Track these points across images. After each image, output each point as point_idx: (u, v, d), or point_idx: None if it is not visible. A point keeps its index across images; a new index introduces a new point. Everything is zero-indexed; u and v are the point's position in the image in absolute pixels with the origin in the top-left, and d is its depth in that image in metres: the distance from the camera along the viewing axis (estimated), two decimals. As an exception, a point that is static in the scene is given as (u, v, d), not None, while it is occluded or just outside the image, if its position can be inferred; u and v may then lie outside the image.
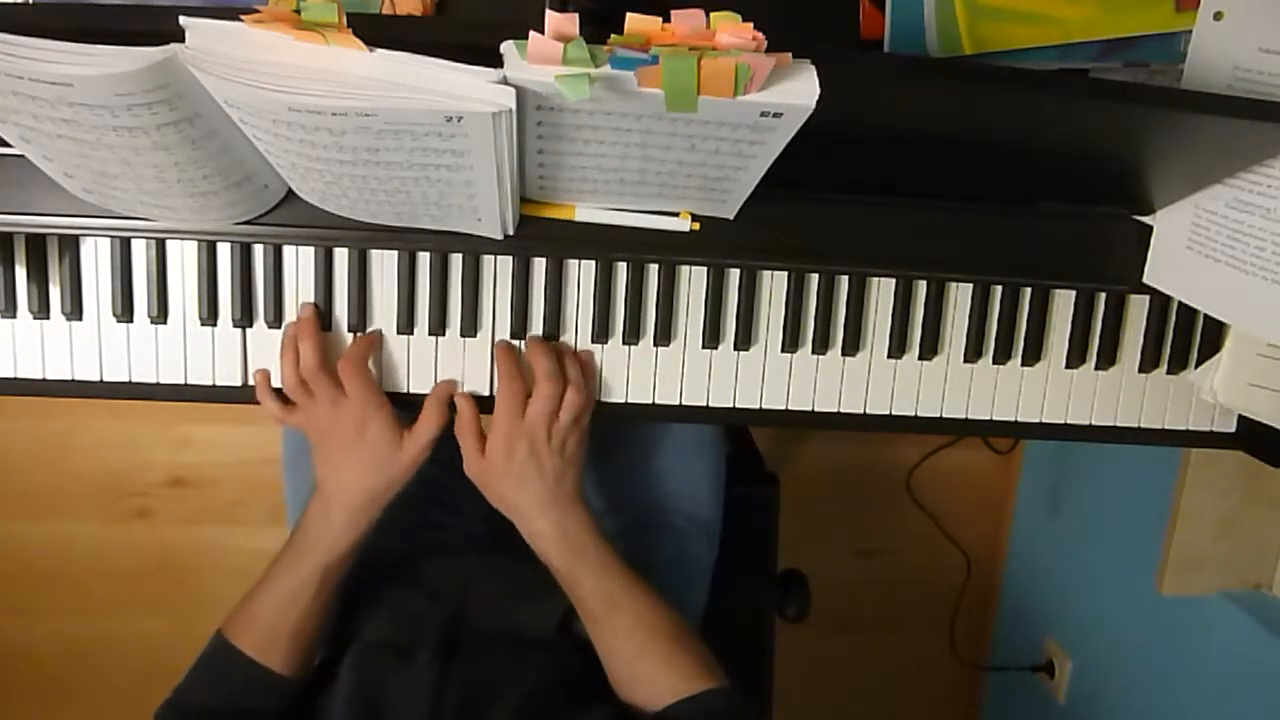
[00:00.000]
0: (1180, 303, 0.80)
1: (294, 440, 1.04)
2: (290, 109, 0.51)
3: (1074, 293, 0.82)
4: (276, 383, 0.77)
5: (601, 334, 0.79)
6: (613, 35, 0.50)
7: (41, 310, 0.75)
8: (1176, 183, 0.72)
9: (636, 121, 0.55)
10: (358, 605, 0.87)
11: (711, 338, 0.79)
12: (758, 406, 0.82)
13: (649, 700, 0.75)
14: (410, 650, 0.79)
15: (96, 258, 0.75)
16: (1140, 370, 0.84)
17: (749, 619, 1.23)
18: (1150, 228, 0.77)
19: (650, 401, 0.81)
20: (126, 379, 0.77)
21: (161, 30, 0.50)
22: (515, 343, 0.78)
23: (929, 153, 0.67)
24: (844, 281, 0.80)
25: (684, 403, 0.81)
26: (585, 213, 0.72)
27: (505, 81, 0.50)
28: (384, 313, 0.77)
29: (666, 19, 0.50)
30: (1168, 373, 0.84)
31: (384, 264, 0.76)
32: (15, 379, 0.76)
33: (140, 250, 0.75)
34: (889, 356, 0.82)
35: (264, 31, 0.50)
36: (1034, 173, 0.73)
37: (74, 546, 1.81)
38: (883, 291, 0.81)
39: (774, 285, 0.80)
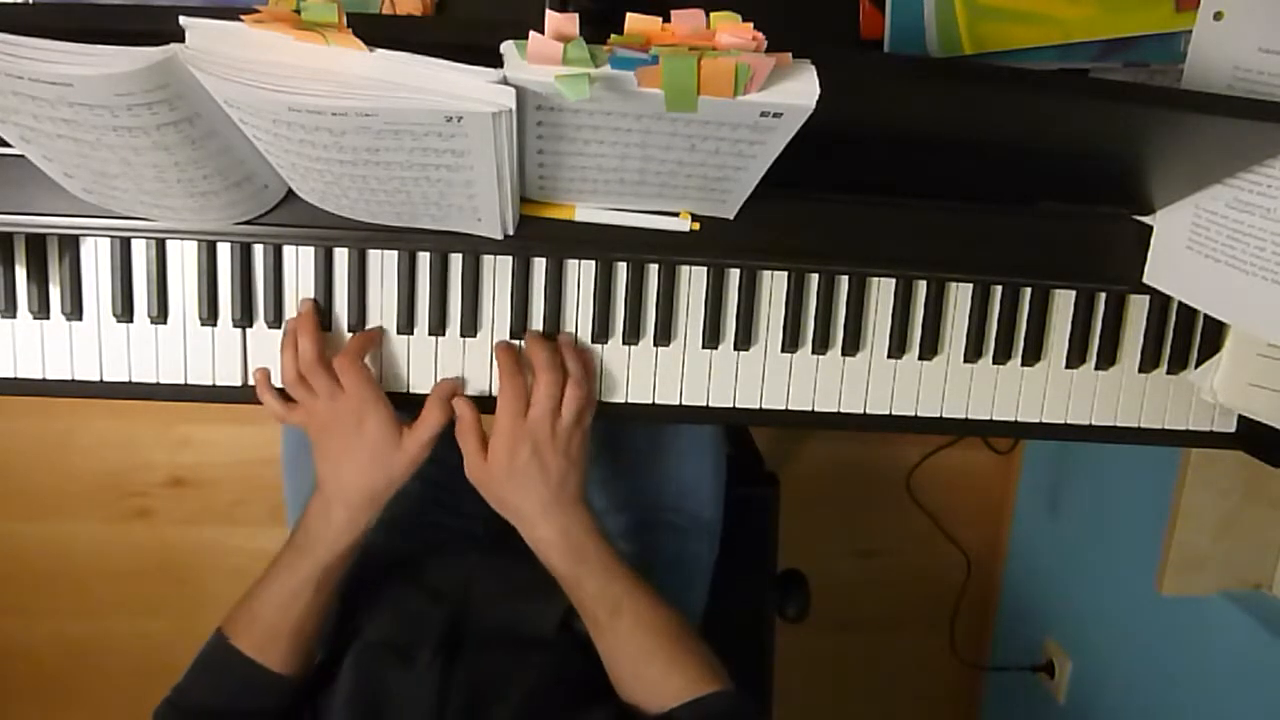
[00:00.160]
0: (1180, 303, 0.80)
1: (294, 440, 1.04)
2: (290, 109, 0.51)
3: (1074, 293, 0.82)
4: (277, 382, 0.77)
5: (601, 334, 0.79)
6: (613, 35, 0.50)
7: (41, 310, 0.75)
8: (1176, 183, 0.72)
9: (636, 121, 0.55)
10: (358, 605, 0.87)
11: (711, 338, 0.79)
12: (758, 406, 0.82)
13: (652, 702, 0.75)
14: (411, 650, 0.79)
15: (96, 258, 0.75)
16: (1140, 370, 0.84)
17: (749, 619, 1.23)
18: (1150, 228, 0.77)
19: (650, 401, 0.81)
20: (126, 379, 0.77)
21: (161, 30, 0.50)
22: (516, 343, 0.78)
23: (929, 153, 0.67)
24: (844, 281, 0.80)
25: (684, 403, 0.81)
26: (585, 213, 0.72)
27: (505, 81, 0.50)
28: (384, 313, 0.77)
29: (666, 19, 0.50)
30: (1168, 373, 0.84)
31: (384, 264, 0.76)
32: (15, 379, 0.76)
33: (140, 250, 0.75)
34: (889, 356, 0.82)
35: (264, 31, 0.50)
36: (1034, 173, 0.73)
37: (74, 546, 1.81)
38: (883, 291, 0.81)
39: (774, 285, 0.80)
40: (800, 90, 0.51)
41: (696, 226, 0.74)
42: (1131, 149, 0.66)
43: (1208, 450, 0.89)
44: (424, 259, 0.77)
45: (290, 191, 0.69)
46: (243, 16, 0.50)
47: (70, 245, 0.74)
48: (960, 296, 0.82)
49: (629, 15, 0.50)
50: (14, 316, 0.76)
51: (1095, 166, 0.70)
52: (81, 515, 1.80)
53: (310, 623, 0.78)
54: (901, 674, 1.97)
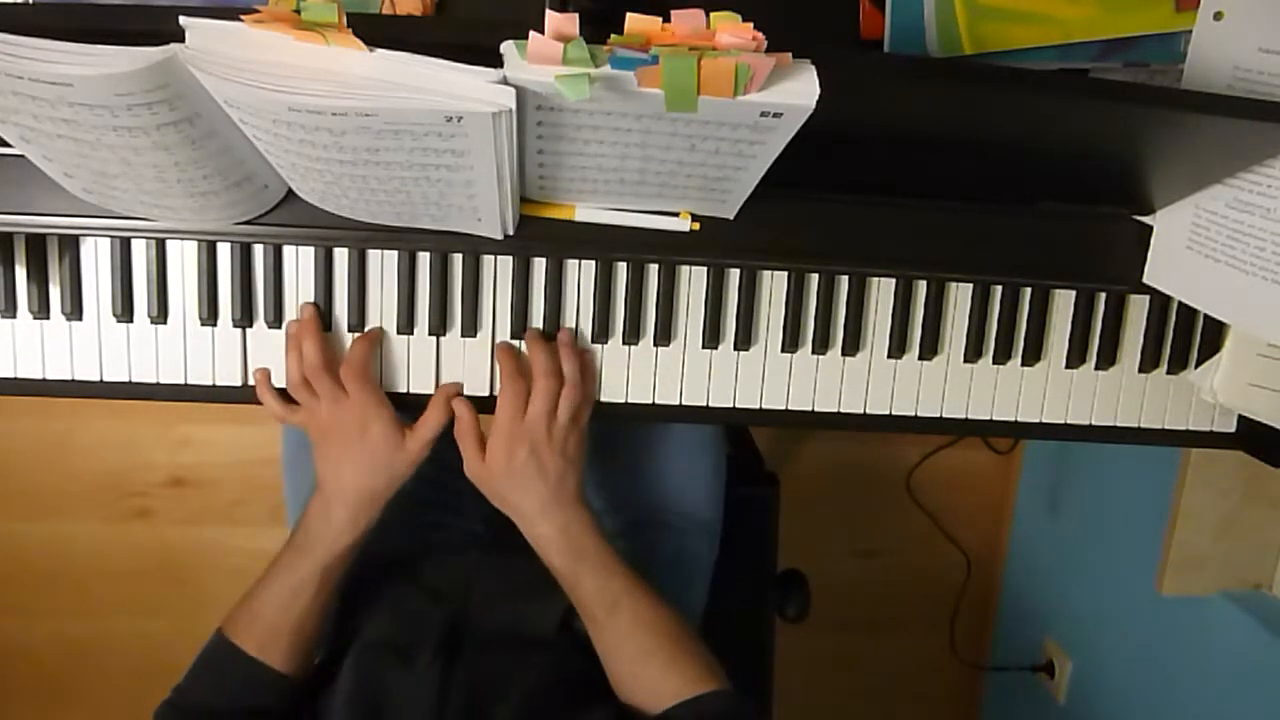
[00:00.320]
0: (1180, 303, 0.80)
1: (294, 440, 1.04)
2: (290, 109, 0.51)
3: (1074, 293, 0.82)
4: (278, 382, 0.77)
5: (601, 334, 0.79)
6: (613, 35, 0.50)
7: (41, 310, 0.75)
8: (1176, 183, 0.72)
9: (636, 121, 0.55)
10: (358, 604, 0.87)
11: (711, 338, 0.79)
12: (758, 406, 0.82)
13: (650, 702, 0.75)
14: (411, 650, 0.79)
15: (96, 258, 0.75)
16: (1140, 370, 0.84)
17: (749, 619, 1.23)
18: (1150, 228, 0.77)
19: (650, 401, 0.81)
20: (126, 379, 0.77)
21: (161, 30, 0.50)
22: (516, 343, 0.78)
23: (929, 153, 0.67)
24: (844, 281, 0.80)
25: (684, 403, 0.81)
26: (585, 213, 0.72)
27: (505, 81, 0.50)
28: (384, 313, 0.77)
29: (666, 19, 0.50)
30: (1168, 373, 0.84)
31: (384, 264, 0.76)
32: (15, 379, 0.76)
33: (140, 250, 0.75)
34: (889, 356, 0.82)
35: (264, 31, 0.50)
36: (1034, 173, 0.73)
37: (74, 546, 1.81)
38: (883, 291, 0.81)
39: (774, 285, 0.80)
40: (800, 90, 0.51)
41: (696, 226, 0.74)
42: (1131, 149, 0.66)
43: (1208, 450, 0.89)
44: (424, 259, 0.77)
45: (290, 191, 0.69)
46: (243, 16, 0.50)
47: (70, 245, 0.74)
48: (960, 296, 0.82)
49: (629, 15, 0.50)
50: (14, 316, 0.76)
51: (1095, 166, 0.70)
52: (81, 515, 1.80)
53: (311, 621, 0.78)
54: (901, 674, 1.97)
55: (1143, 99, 0.58)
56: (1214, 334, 0.83)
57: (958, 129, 0.62)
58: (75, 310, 0.75)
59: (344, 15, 0.51)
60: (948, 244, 0.77)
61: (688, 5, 0.50)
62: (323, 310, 0.76)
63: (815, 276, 0.79)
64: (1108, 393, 0.84)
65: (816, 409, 0.82)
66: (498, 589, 0.88)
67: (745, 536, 1.19)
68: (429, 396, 0.78)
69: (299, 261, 0.76)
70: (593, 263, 0.78)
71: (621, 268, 0.78)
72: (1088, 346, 0.83)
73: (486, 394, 0.79)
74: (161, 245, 0.75)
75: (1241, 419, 0.85)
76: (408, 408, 0.78)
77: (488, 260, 0.77)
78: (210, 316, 0.76)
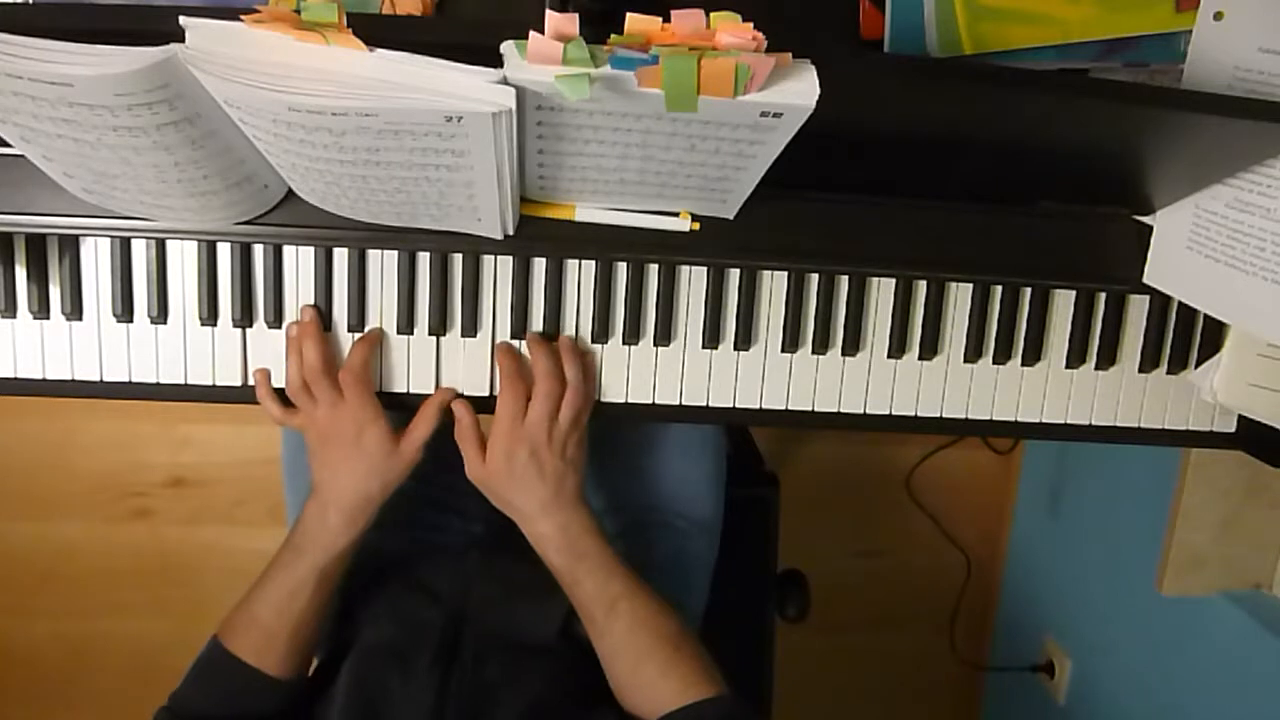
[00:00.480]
0: (1180, 303, 0.80)
1: (294, 441, 1.04)
2: (290, 109, 0.51)
3: (1074, 293, 0.82)
4: (277, 383, 0.77)
5: (601, 334, 0.79)
6: (613, 35, 0.50)
7: (41, 310, 0.75)
8: (1176, 183, 0.72)
9: (636, 121, 0.55)
10: (357, 606, 0.87)
11: (711, 338, 0.79)
12: (758, 406, 0.82)
13: (648, 707, 0.75)
14: (409, 656, 0.79)
15: (96, 258, 0.75)
16: (1140, 370, 0.84)
17: (749, 619, 1.23)
18: (1150, 228, 0.77)
19: (650, 401, 0.81)
20: (126, 379, 0.77)
21: (161, 30, 0.50)
22: (516, 343, 0.78)
23: (929, 153, 0.67)
24: (844, 281, 0.80)
25: (684, 403, 0.81)
26: (585, 213, 0.72)
27: (505, 81, 0.50)
28: (384, 313, 0.77)
29: (666, 19, 0.50)
30: (1168, 373, 0.84)
31: (384, 264, 0.76)
32: (15, 379, 0.76)
33: (140, 250, 0.75)
34: (889, 356, 0.82)
35: (264, 31, 0.50)
36: (1034, 173, 0.73)
37: (74, 546, 1.81)
38: (883, 291, 0.81)
39: (774, 285, 0.80)
40: (800, 90, 0.51)
41: (696, 226, 0.74)
42: (1131, 149, 0.66)
43: (1208, 450, 0.89)
44: (424, 259, 0.77)
45: (290, 191, 0.69)
46: (243, 16, 0.50)
47: (70, 245, 0.74)
48: (960, 296, 0.82)
49: (629, 15, 0.50)
50: (14, 316, 0.76)
51: (1095, 166, 0.70)
52: (81, 515, 1.80)
53: (307, 626, 0.78)
54: (901, 674, 1.97)
55: (1143, 99, 0.58)
56: (1214, 334, 0.83)
57: (958, 129, 0.62)
58: (75, 310, 0.75)
59: (344, 15, 0.51)
60: (948, 244, 0.77)
61: (688, 5, 0.50)
62: (323, 311, 0.76)
63: (815, 276, 0.79)
64: (1108, 393, 0.84)
65: (816, 409, 0.82)
66: (497, 592, 0.88)
67: (745, 536, 1.19)
68: (429, 397, 0.78)
69: (299, 261, 0.76)
70: (593, 263, 0.78)
71: (621, 268, 0.78)
72: (1088, 346, 0.83)
73: (486, 394, 0.79)
74: (161, 245, 0.75)
75: (1241, 419, 0.85)
76: (408, 408, 0.78)
77: (488, 260, 0.77)
78: (210, 316, 0.76)
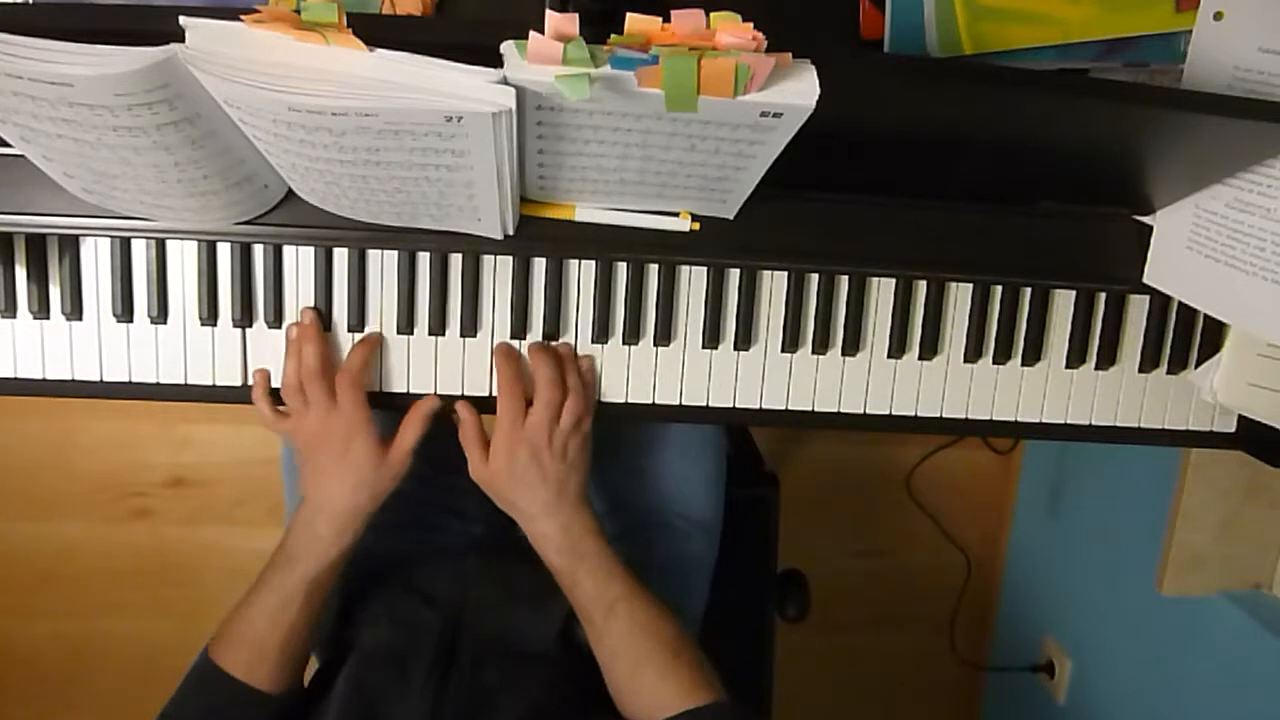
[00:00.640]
0: (1180, 303, 0.80)
1: (294, 441, 1.04)
2: (290, 109, 0.51)
3: (1074, 293, 0.82)
4: (276, 385, 0.77)
5: (601, 334, 0.79)
6: (613, 35, 0.50)
7: (41, 310, 0.75)
8: (1176, 183, 0.72)
9: (636, 121, 0.55)
10: (357, 608, 0.87)
11: (711, 338, 0.79)
12: (758, 406, 0.82)
13: (646, 712, 0.74)
14: (408, 660, 0.79)
15: (96, 258, 0.75)
16: (1140, 370, 0.84)
17: (749, 619, 1.23)
18: (1150, 228, 0.77)
19: (650, 401, 0.81)
20: (126, 379, 0.77)
21: (161, 30, 0.50)
22: (515, 343, 0.78)
23: (928, 153, 0.67)
24: (844, 281, 0.80)
25: (684, 403, 0.81)
26: (585, 213, 0.72)
27: (505, 81, 0.50)
28: (384, 313, 0.77)
29: (666, 19, 0.50)
30: (1168, 373, 0.84)
31: (384, 264, 0.76)
32: (15, 379, 0.76)
33: (140, 250, 0.75)
34: (889, 356, 0.82)
35: (264, 31, 0.50)
36: (1034, 173, 0.73)
37: (74, 546, 1.81)
38: (883, 291, 0.81)
39: (774, 285, 0.80)
40: (800, 90, 0.51)
41: (696, 226, 0.74)
42: (1131, 149, 0.66)
43: (1208, 450, 0.89)
44: (424, 259, 0.77)
45: (290, 191, 0.69)
46: (243, 16, 0.50)
47: (70, 245, 0.74)
48: (960, 296, 0.82)
49: (629, 15, 0.50)
50: (14, 316, 0.75)
51: (1095, 166, 0.70)
52: (81, 515, 1.80)
53: (297, 638, 0.77)
54: (901, 674, 1.97)
55: (1143, 99, 0.58)
56: (1214, 334, 0.83)
57: (958, 129, 0.62)
58: (75, 310, 0.75)
59: (344, 15, 0.51)
60: (948, 244, 0.77)
61: (688, 5, 0.50)
62: (323, 311, 0.76)
63: (815, 276, 0.79)
64: (1108, 393, 0.84)
65: (816, 409, 0.82)
66: (496, 595, 0.88)
67: (745, 536, 1.19)
68: (414, 405, 0.78)
69: (299, 261, 0.76)
70: (593, 263, 0.78)
71: (621, 268, 0.78)
72: (1088, 346, 0.83)
73: (486, 394, 0.79)
74: (161, 245, 0.75)
75: (1241, 419, 0.85)
76: (407, 409, 0.78)
77: (488, 260, 0.77)
78: (210, 316, 0.76)
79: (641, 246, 0.74)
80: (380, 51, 0.50)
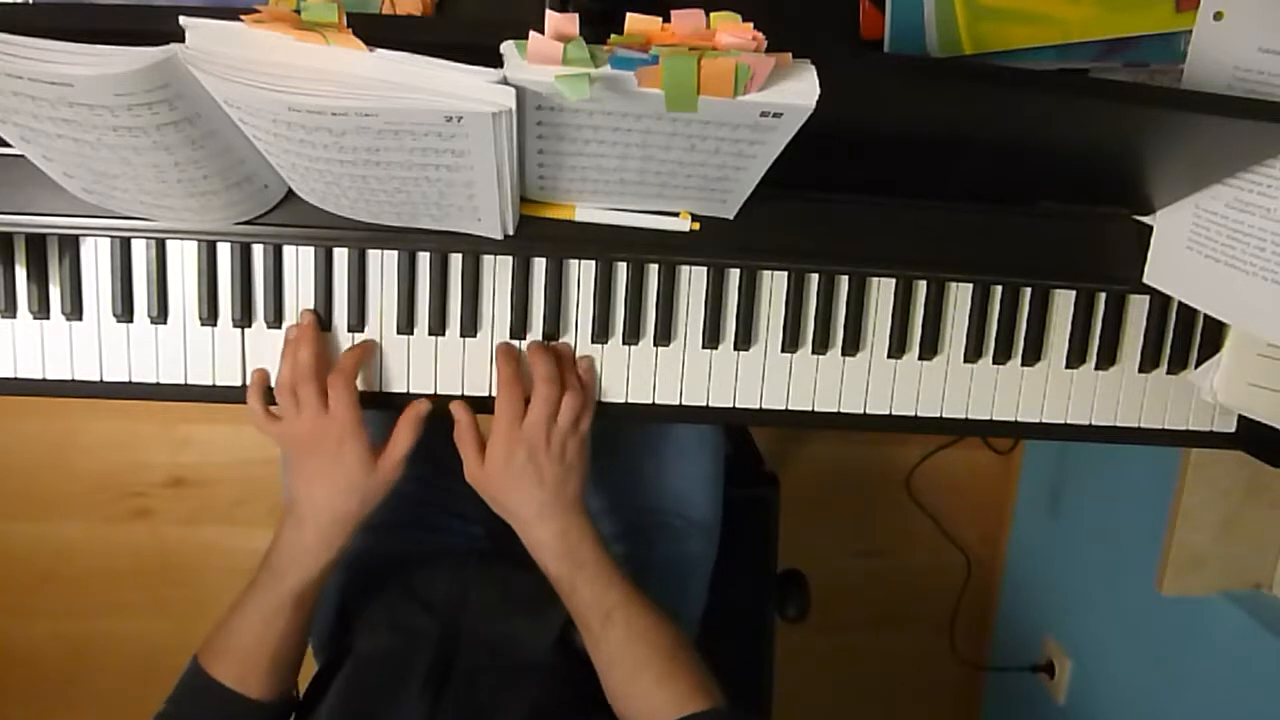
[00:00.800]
0: (1180, 303, 0.80)
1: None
2: (290, 109, 0.51)
3: (1074, 293, 0.82)
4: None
5: (601, 334, 0.79)
6: (613, 35, 0.50)
7: (41, 310, 0.75)
8: (1176, 183, 0.72)
9: (636, 121, 0.55)
10: (355, 611, 0.87)
11: (711, 338, 0.79)
12: (758, 406, 0.82)
13: (644, 718, 0.74)
14: (404, 666, 0.79)
15: (96, 258, 0.75)
16: (1140, 370, 0.84)
17: (749, 619, 1.23)
18: (1150, 228, 0.77)
19: (650, 401, 0.81)
20: (126, 379, 0.77)
21: (161, 30, 0.50)
22: (515, 343, 0.78)
23: (929, 153, 0.67)
24: (844, 281, 0.80)
25: (684, 403, 0.81)
26: (585, 213, 0.72)
27: (505, 81, 0.50)
28: (384, 313, 0.77)
29: (666, 19, 0.50)
30: (1168, 373, 0.84)
31: (384, 264, 0.76)
32: (15, 379, 0.76)
33: (140, 250, 0.75)
34: (889, 356, 0.82)
35: (264, 31, 0.50)
36: (1034, 173, 0.73)
37: (74, 546, 1.81)
38: (883, 291, 0.81)
39: (774, 285, 0.80)
40: (800, 90, 0.51)
41: (696, 226, 0.74)
42: (1131, 149, 0.66)
43: (1208, 450, 0.89)
44: (424, 259, 0.77)
45: (290, 191, 0.69)
46: (243, 16, 0.50)
47: (70, 245, 0.74)
48: (960, 296, 0.82)
49: (629, 15, 0.50)
50: (14, 316, 0.75)
51: (1095, 166, 0.70)
52: (81, 515, 1.80)
53: (287, 647, 0.77)
54: (901, 674, 1.97)
55: (1143, 99, 0.58)
56: (1214, 334, 0.83)
57: (958, 129, 0.62)
58: (75, 310, 0.75)
59: (344, 15, 0.51)
60: (948, 244, 0.77)
61: (688, 5, 0.50)
62: (322, 311, 0.76)
63: (815, 276, 0.79)
64: (1108, 393, 0.84)
65: (816, 409, 0.82)
66: (494, 601, 0.87)
67: (745, 536, 1.19)
68: (429, 397, 0.77)
69: (299, 261, 0.76)
70: (593, 263, 0.78)
71: (621, 268, 0.78)
72: (1088, 346, 0.83)
73: (486, 394, 0.79)
74: (161, 245, 0.75)
75: (1241, 419, 0.85)
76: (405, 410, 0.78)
77: (488, 260, 0.77)
78: (210, 316, 0.76)
79: (641, 246, 0.74)
80: (380, 51, 0.50)
